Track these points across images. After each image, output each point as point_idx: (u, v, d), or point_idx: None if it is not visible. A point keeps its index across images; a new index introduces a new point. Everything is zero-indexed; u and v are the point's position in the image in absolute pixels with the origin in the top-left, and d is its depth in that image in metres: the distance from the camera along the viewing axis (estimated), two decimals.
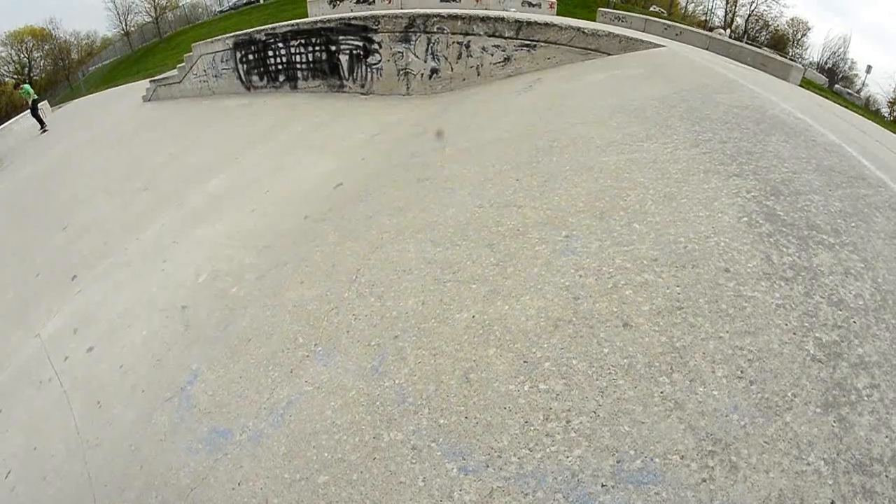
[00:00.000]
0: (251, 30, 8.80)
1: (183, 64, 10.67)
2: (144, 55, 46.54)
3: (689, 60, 4.82)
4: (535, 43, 5.59)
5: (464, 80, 6.12)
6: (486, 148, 3.65)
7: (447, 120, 4.89)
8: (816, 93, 17.34)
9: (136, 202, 5.50)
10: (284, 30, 7.99)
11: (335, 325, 2.43)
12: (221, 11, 56.57)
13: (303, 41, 7.73)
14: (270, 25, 8.60)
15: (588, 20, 21.29)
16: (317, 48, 7.55)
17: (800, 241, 2.07)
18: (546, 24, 5.55)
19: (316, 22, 7.54)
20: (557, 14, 21.41)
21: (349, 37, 7.00)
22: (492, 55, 5.84)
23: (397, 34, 6.44)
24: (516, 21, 5.66)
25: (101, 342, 3.35)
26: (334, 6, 14.58)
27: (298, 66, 7.92)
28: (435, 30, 6.15)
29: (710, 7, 67.49)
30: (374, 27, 6.63)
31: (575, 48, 5.45)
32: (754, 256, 2.00)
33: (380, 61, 6.75)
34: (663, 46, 5.53)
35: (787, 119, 3.12)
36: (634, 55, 5.22)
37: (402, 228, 2.94)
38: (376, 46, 6.71)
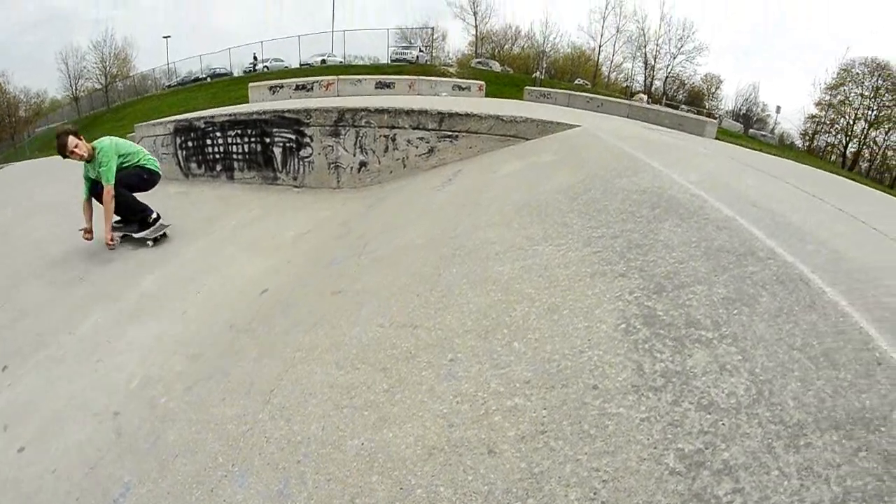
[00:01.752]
0: (191, 115, 8.92)
1: None
2: (92, 123, 46.13)
3: (601, 141, 5.05)
4: (457, 133, 5.83)
5: (391, 172, 6.31)
6: (398, 256, 3.77)
7: (370, 220, 5.04)
8: (732, 142, 18.31)
9: (72, 292, 5.40)
10: (222, 119, 8.10)
11: (250, 447, 2.47)
12: (170, 86, 57.25)
13: (239, 131, 7.84)
14: (210, 112, 8.76)
15: (517, 99, 22.50)
16: (252, 139, 7.66)
17: (676, 343, 2.08)
18: (467, 115, 5.80)
19: (252, 113, 7.70)
20: (489, 94, 22.50)
21: (283, 129, 7.16)
22: (416, 147, 6.05)
23: (328, 127, 6.64)
24: (439, 113, 5.91)
25: (33, 443, 3.28)
26: (274, 92, 14.93)
27: (235, 156, 8.00)
28: (363, 123, 6.36)
29: (630, 73, 74.14)
30: (307, 120, 6.83)
31: (495, 136, 5.71)
32: (626, 368, 2.03)
33: (311, 154, 6.90)
34: (578, 126, 5.79)
35: (683, 198, 3.20)
36: (552, 139, 5.48)
37: (313, 347, 3.03)
38: (308, 139, 6.88)
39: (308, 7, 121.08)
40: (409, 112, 6.15)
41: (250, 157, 7.79)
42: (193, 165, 8.79)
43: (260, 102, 15.50)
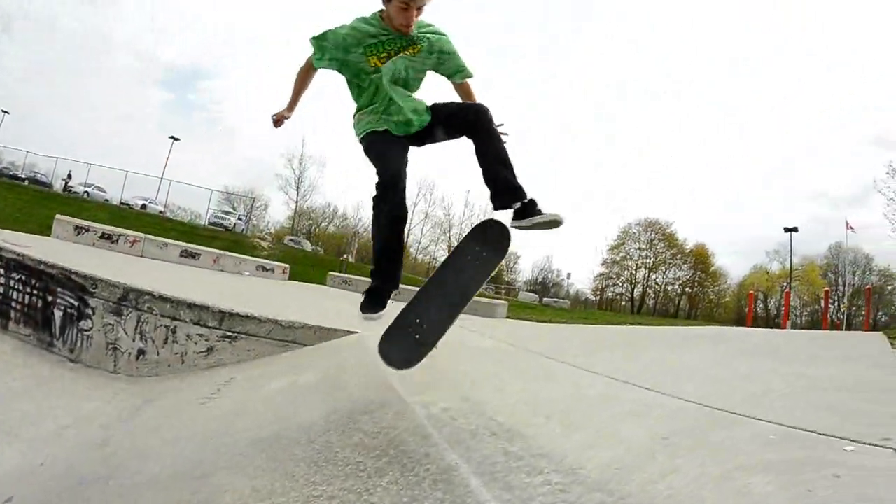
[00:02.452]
0: None
1: None
2: None
3: (367, 357, 5.24)
4: (236, 335, 6.15)
5: (169, 366, 6.35)
6: (143, 491, 3.83)
7: (131, 430, 5.07)
8: (526, 316, 20.22)
9: None
10: (9, 256, 7.76)
11: None
12: None
13: (24, 277, 7.53)
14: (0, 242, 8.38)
15: (320, 283, 24.00)
16: (35, 292, 7.38)
17: None
18: (247, 317, 6.16)
19: (41, 262, 7.44)
20: (295, 275, 24.29)
21: (67, 291, 7.00)
22: (196, 343, 6.24)
23: (111, 304, 6.63)
24: (220, 311, 6.24)
25: None
26: (79, 233, 14.53)
27: (14, 304, 7.61)
28: (146, 308, 6.46)
29: (434, 255, 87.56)
30: (92, 290, 6.77)
31: (274, 340, 6.09)
32: None
33: (91, 329, 6.75)
34: (356, 334, 6.25)
35: (413, 443, 3.24)
36: (326, 349, 5.88)
37: None
38: (90, 311, 6.76)
39: (146, 142, 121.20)
40: (190, 305, 6.36)
41: (29, 311, 7.46)
42: None
43: (62, 240, 15.03)
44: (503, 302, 19.18)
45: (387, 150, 4.03)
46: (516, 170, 3.95)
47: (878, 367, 7.24)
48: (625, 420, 3.86)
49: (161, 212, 56.12)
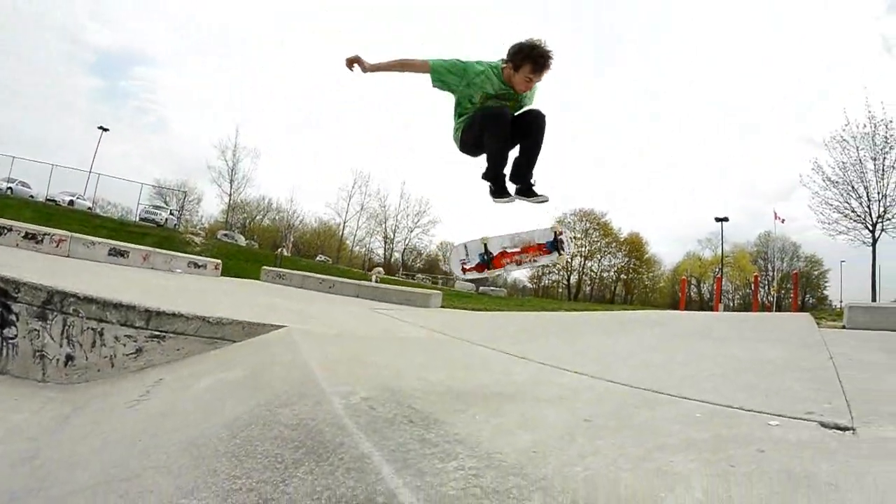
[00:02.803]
0: None
1: None
2: None
3: (293, 351, 5.41)
4: (164, 334, 6.14)
5: (98, 370, 6.23)
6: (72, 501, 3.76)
7: (60, 441, 4.96)
8: (462, 304, 20.34)
9: None
10: None
11: None
12: None
13: None
14: None
15: (254, 277, 23.97)
16: None
17: None
18: (174, 315, 6.17)
19: None
20: (229, 270, 24.24)
21: None
22: (124, 346, 6.18)
23: (35, 308, 6.47)
24: (147, 310, 6.21)
25: None
26: (1, 234, 13.90)
27: None
28: (71, 311, 6.34)
29: (370, 246, 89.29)
30: (15, 294, 6.56)
31: (202, 338, 6.10)
32: None
33: (17, 336, 6.52)
34: (283, 328, 6.33)
35: (329, 434, 3.27)
36: (254, 344, 5.94)
37: None
38: (14, 318, 6.54)
39: (73, 132, 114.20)
40: (117, 306, 6.27)
41: None
42: None
43: None
44: (437, 292, 19.30)
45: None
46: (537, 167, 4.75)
47: (805, 346, 7.69)
48: (552, 404, 3.90)
49: (90, 208, 53.50)
